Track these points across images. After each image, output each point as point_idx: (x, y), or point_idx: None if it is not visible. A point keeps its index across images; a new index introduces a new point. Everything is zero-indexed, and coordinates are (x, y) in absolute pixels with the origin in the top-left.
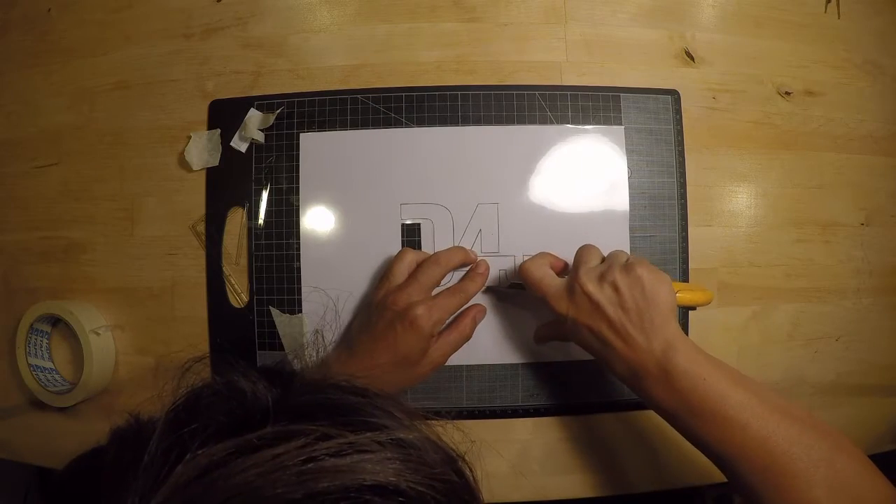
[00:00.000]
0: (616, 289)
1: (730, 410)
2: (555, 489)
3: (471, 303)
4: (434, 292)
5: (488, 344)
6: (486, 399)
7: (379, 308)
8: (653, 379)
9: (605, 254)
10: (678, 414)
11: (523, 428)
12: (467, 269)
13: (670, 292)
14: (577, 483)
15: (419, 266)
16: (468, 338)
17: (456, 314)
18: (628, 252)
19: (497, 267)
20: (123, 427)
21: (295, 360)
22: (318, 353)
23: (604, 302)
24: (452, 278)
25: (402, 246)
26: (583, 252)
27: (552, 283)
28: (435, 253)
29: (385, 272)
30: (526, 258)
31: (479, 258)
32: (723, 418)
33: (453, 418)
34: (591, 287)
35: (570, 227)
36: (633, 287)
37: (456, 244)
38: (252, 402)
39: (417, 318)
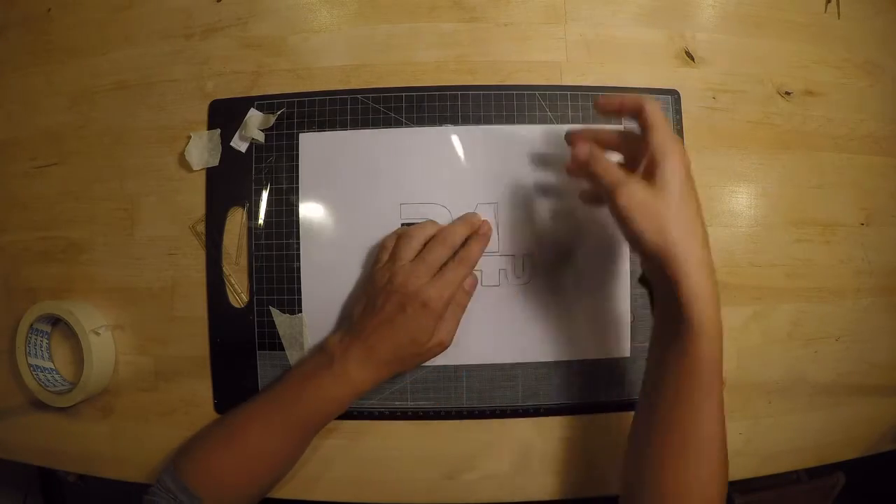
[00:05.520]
0: None
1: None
2: (555, 489)
3: None
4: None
5: (488, 344)
6: (486, 399)
7: (385, 291)
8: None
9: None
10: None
11: (523, 428)
12: None
13: None
14: (577, 482)
15: (425, 246)
16: (464, 307)
17: None
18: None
19: (497, 266)
20: None
21: (292, 350)
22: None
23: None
24: None
25: None
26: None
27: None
28: (440, 231)
29: (389, 251)
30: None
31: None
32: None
33: (453, 418)
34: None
35: (570, 227)
36: None
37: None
38: None
39: (430, 301)
